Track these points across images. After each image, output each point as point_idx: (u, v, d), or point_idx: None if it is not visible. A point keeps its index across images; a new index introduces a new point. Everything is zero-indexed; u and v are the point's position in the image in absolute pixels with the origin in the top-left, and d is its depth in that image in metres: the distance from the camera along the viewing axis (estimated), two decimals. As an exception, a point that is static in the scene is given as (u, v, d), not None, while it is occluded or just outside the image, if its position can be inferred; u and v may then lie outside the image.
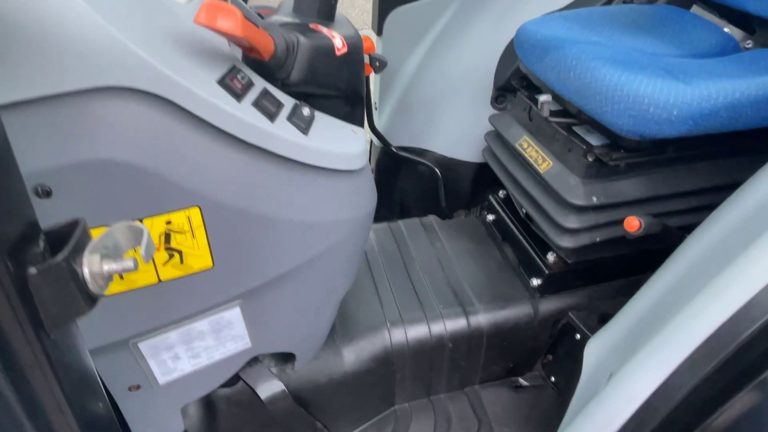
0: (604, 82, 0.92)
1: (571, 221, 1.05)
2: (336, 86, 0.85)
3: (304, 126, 0.74)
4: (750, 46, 1.19)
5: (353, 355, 1.11)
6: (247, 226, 0.71)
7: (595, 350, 0.95)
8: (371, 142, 1.79)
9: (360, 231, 0.89)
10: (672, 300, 0.79)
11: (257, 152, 0.68)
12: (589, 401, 0.80)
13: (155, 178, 0.61)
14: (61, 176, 0.58)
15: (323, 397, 1.08)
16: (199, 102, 0.61)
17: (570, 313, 1.22)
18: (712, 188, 1.07)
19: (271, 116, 0.69)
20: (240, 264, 0.73)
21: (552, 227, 1.10)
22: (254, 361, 0.94)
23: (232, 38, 0.67)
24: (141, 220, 0.63)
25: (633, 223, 0.92)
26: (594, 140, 1.04)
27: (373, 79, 1.77)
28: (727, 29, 1.23)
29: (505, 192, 1.44)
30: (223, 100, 0.63)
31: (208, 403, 0.97)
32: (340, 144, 0.79)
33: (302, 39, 0.77)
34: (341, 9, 0.95)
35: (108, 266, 0.42)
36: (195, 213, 0.66)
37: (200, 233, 0.67)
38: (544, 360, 1.35)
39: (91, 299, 0.41)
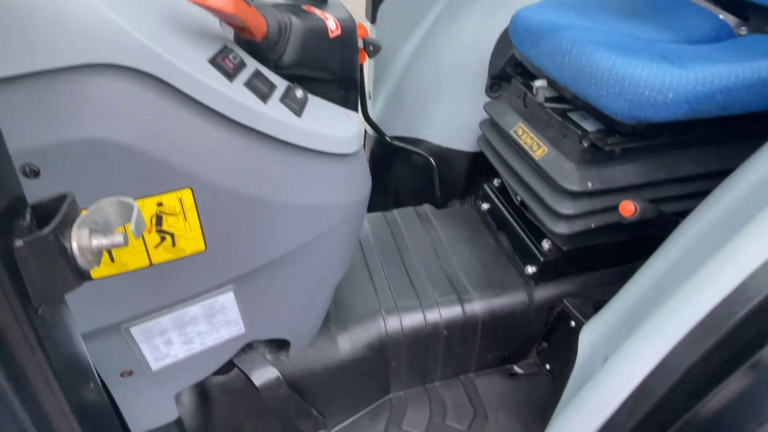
0: (599, 67, 0.92)
1: (567, 207, 1.04)
2: (329, 69, 0.84)
3: (298, 108, 0.73)
4: (744, 32, 1.19)
5: (348, 342, 1.11)
6: (240, 209, 0.70)
7: (589, 336, 0.95)
8: (365, 132, 1.79)
9: (354, 216, 0.89)
10: (667, 283, 0.79)
11: (249, 133, 0.67)
12: (584, 385, 0.80)
13: (146, 158, 0.60)
14: (50, 156, 0.56)
15: (318, 384, 1.08)
16: (190, 81, 0.60)
17: (565, 301, 1.22)
18: (707, 174, 1.07)
19: (264, 97, 0.68)
20: (233, 248, 0.72)
21: (547, 214, 1.10)
22: (248, 347, 0.93)
23: (223, 16, 0.66)
24: (132, 202, 0.62)
25: (628, 208, 0.92)
26: (589, 126, 1.04)
27: (367, 68, 1.75)
28: (722, 16, 1.22)
29: (499, 180, 1.44)
30: (214, 79, 0.62)
31: (202, 390, 0.96)
32: (334, 127, 0.78)
33: (295, 20, 0.76)
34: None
35: (97, 241, 0.41)
36: (187, 195, 0.65)
37: (192, 215, 0.66)
38: (539, 348, 1.35)
39: (80, 275, 0.40)
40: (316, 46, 0.80)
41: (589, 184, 1.02)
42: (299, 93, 0.75)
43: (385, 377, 1.22)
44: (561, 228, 1.07)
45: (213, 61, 0.64)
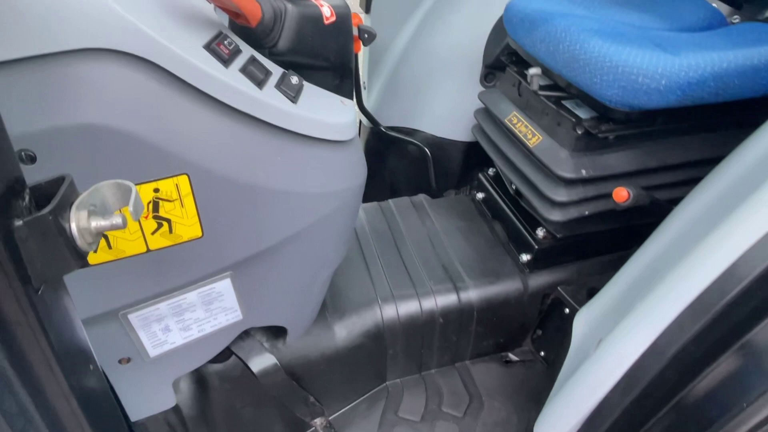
0: (593, 54, 0.92)
1: (561, 194, 1.05)
2: (324, 56, 0.84)
3: (293, 94, 0.73)
4: (737, 20, 1.20)
5: (344, 330, 1.12)
6: (236, 196, 0.70)
7: (583, 321, 0.96)
8: (360, 122, 1.79)
9: (350, 204, 0.89)
10: (659, 268, 0.80)
11: (245, 119, 0.67)
12: (579, 367, 0.81)
13: (142, 143, 0.60)
14: (46, 141, 0.56)
15: (315, 372, 1.08)
16: (186, 66, 0.60)
17: (559, 288, 1.24)
18: (699, 161, 1.08)
19: (260, 83, 0.68)
20: (229, 234, 0.72)
21: (541, 201, 1.11)
22: (246, 335, 0.94)
23: (218, 2, 0.66)
24: (128, 188, 0.62)
25: (621, 194, 0.92)
26: (583, 113, 1.04)
27: (362, 58, 1.75)
28: (715, 4, 1.23)
29: (494, 170, 1.45)
30: (210, 65, 0.62)
31: (200, 378, 0.96)
32: (330, 114, 0.78)
33: (290, 6, 0.76)
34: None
35: (96, 223, 0.41)
36: (183, 181, 0.65)
37: (189, 202, 0.66)
38: (533, 335, 1.36)
39: (80, 256, 0.41)
40: (311, 33, 0.80)
41: (583, 172, 1.03)
42: (294, 79, 0.75)
43: (381, 365, 1.23)
44: (555, 215, 1.08)
45: (208, 47, 0.64)
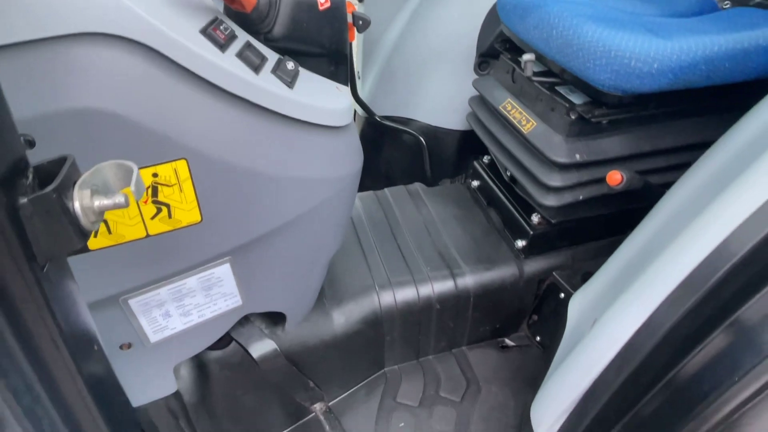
0: (586, 39, 0.93)
1: (555, 179, 1.06)
2: (319, 42, 0.84)
3: (289, 80, 0.73)
4: (728, 5, 1.21)
5: (342, 317, 1.13)
6: (234, 181, 0.71)
7: (578, 304, 0.97)
8: (354, 112, 1.79)
9: (347, 190, 0.90)
10: (652, 249, 0.82)
11: (242, 104, 0.67)
12: (574, 348, 0.83)
13: (140, 128, 0.60)
14: (44, 126, 0.57)
15: (314, 359, 1.09)
16: (183, 51, 0.60)
17: (554, 273, 1.25)
18: (691, 146, 1.09)
19: (256, 68, 0.69)
20: (228, 219, 0.73)
21: (536, 187, 1.12)
22: (245, 321, 0.94)
23: (214, -13, 0.66)
24: (127, 173, 0.62)
25: (615, 177, 0.94)
26: (576, 99, 1.06)
27: (356, 47, 1.75)
28: (706, -11, 1.24)
29: (489, 157, 1.46)
30: (206, 49, 0.63)
31: (200, 365, 0.97)
32: (326, 99, 0.79)
33: (285, -8, 0.77)
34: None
35: (99, 202, 0.42)
36: (182, 166, 0.65)
37: (188, 186, 0.67)
38: (529, 320, 1.38)
39: (83, 234, 0.41)
40: (306, 19, 0.80)
41: (577, 156, 1.04)
42: (290, 65, 0.75)
43: (379, 351, 1.25)
44: (550, 200, 1.09)
45: (204, 32, 0.64)
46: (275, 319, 1.02)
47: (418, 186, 1.52)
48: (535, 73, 1.12)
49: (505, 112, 1.21)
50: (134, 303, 0.73)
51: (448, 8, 1.54)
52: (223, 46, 0.66)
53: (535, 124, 1.12)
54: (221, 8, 0.77)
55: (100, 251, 0.66)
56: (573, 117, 1.03)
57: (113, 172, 0.45)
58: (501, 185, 1.36)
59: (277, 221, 0.79)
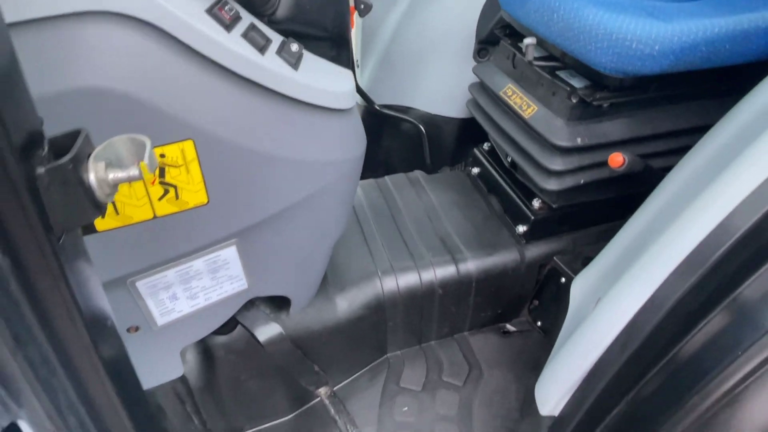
0: (587, 22, 0.93)
1: (557, 163, 1.07)
2: (322, 25, 0.84)
3: (294, 61, 0.73)
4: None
5: (346, 302, 1.13)
6: (241, 162, 0.71)
7: (580, 287, 0.98)
8: (354, 101, 1.78)
9: (351, 173, 0.90)
10: (655, 228, 0.82)
11: (247, 85, 0.68)
12: (577, 328, 0.84)
13: (147, 107, 0.61)
14: (50, 106, 0.56)
15: (318, 344, 1.10)
16: (189, 30, 0.60)
17: (555, 258, 1.26)
18: (692, 129, 1.10)
19: (261, 49, 0.69)
20: (234, 200, 0.73)
21: (537, 171, 1.12)
22: (250, 305, 0.95)
23: (218, -33, 0.66)
24: (135, 153, 0.63)
25: (617, 159, 0.94)
26: (577, 83, 1.06)
27: (355, 36, 1.75)
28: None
29: (489, 144, 1.46)
30: (212, 29, 0.63)
31: (206, 349, 0.98)
32: (330, 82, 0.79)
33: (288, -26, 0.77)
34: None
35: (113, 174, 0.42)
36: (189, 146, 0.65)
37: (194, 167, 0.67)
38: (530, 305, 1.39)
39: (98, 206, 0.42)
40: (309, 1, 0.80)
41: (579, 140, 1.05)
42: (295, 47, 0.75)
43: (382, 337, 1.25)
44: (551, 185, 1.10)
45: (210, 12, 0.64)
46: (279, 304, 1.02)
47: (418, 173, 1.52)
48: (536, 58, 1.12)
49: (506, 98, 1.21)
50: (142, 285, 0.73)
51: (447, -5, 1.54)
52: (228, 27, 0.66)
53: (536, 108, 1.13)
54: (225, -10, 0.76)
55: (108, 233, 0.66)
56: (574, 101, 1.04)
57: (126, 146, 0.45)
58: (501, 171, 1.37)
59: (282, 204, 0.79)
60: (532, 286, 1.33)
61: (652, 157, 1.10)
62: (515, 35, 1.25)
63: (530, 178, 1.15)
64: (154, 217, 0.68)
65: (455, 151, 1.68)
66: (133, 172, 0.42)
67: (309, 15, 0.81)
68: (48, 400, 0.45)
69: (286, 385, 1.12)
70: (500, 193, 1.36)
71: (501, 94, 1.23)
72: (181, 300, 0.79)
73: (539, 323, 1.37)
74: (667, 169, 0.93)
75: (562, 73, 1.10)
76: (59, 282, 0.41)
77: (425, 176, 1.51)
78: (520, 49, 1.18)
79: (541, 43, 1.10)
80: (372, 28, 1.69)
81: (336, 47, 0.90)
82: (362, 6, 0.96)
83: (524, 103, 1.16)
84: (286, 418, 1.18)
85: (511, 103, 1.19)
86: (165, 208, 0.68)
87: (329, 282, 1.14)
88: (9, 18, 0.52)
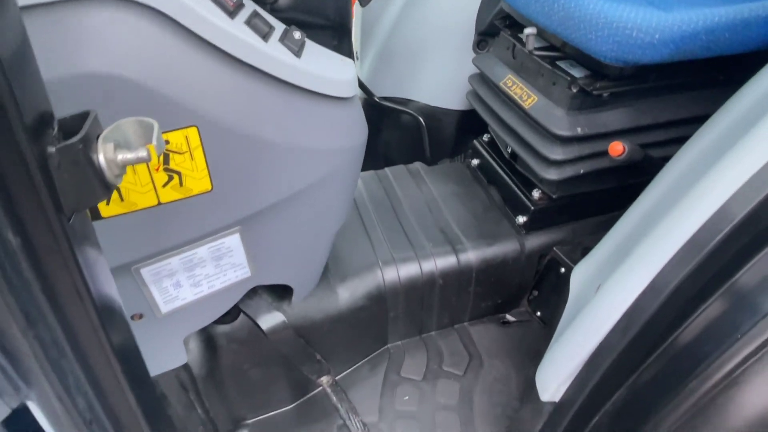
0: (588, 11, 0.94)
1: (557, 153, 1.07)
2: (324, 14, 0.84)
3: (297, 49, 0.73)
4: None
5: (347, 292, 1.14)
6: (244, 149, 0.71)
7: (581, 275, 0.99)
8: (354, 93, 1.78)
9: (353, 162, 0.90)
10: (655, 215, 0.83)
11: (251, 72, 0.68)
12: (578, 314, 0.84)
13: (151, 93, 0.61)
14: (54, 91, 0.56)
15: (319, 333, 1.11)
16: (193, 15, 0.60)
17: (555, 248, 1.27)
18: (692, 119, 1.10)
19: (265, 36, 0.69)
20: (238, 188, 0.73)
21: (538, 161, 1.13)
22: (253, 294, 0.95)
23: (221, -46, 0.66)
24: (139, 139, 0.63)
25: (617, 148, 0.95)
26: (578, 73, 1.06)
27: (354, 28, 1.75)
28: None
29: (489, 136, 1.46)
30: (216, 15, 0.63)
31: (208, 338, 0.98)
32: (332, 70, 0.79)
33: (290, -38, 0.77)
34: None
35: (122, 155, 0.42)
36: (193, 133, 0.66)
37: (198, 154, 0.67)
38: (530, 296, 1.40)
39: (107, 187, 0.42)
40: (312, -11, 0.80)
41: (579, 130, 1.05)
42: (297, 35, 0.75)
43: (383, 327, 1.26)
44: (551, 174, 1.11)
45: (213, -2, 0.64)
46: (282, 293, 1.03)
47: (418, 165, 1.53)
48: (536, 48, 1.12)
49: (506, 88, 1.21)
50: (146, 272, 0.74)
51: (447, -13, 1.54)
52: (232, 13, 0.66)
53: (536, 99, 1.13)
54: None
55: (113, 219, 0.66)
56: (574, 90, 1.04)
57: (134, 128, 0.45)
58: (501, 162, 1.37)
59: (285, 191, 0.79)
60: (531, 276, 1.34)
61: (652, 146, 1.10)
62: (515, 26, 1.26)
63: (530, 168, 1.16)
64: (159, 203, 0.68)
65: (455, 143, 1.68)
66: (142, 153, 0.43)
67: (311, 3, 0.82)
68: (57, 381, 0.46)
69: (288, 374, 1.12)
70: (500, 184, 1.37)
71: (501, 84, 1.23)
72: (185, 287, 0.79)
73: (539, 313, 1.38)
74: (666, 159, 0.94)
75: (562, 63, 1.10)
76: (69, 262, 0.41)
77: (425, 168, 1.52)
78: (520, 40, 1.18)
79: (541, 33, 1.11)
80: (371, 20, 1.69)
81: (337, 36, 0.90)
82: (363, -5, 0.96)
83: (524, 93, 1.16)
84: (288, 407, 1.19)
85: (511, 93, 1.19)
86: (169, 194, 0.68)
87: (331, 272, 1.14)
88: (19, 2, 0.52)
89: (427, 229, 1.30)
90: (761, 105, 0.77)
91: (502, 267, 1.27)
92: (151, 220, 0.69)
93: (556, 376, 0.85)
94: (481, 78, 1.36)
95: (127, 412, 0.54)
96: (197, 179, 0.69)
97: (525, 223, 1.27)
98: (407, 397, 1.21)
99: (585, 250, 1.23)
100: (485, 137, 1.47)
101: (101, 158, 0.41)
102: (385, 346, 1.31)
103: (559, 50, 1.11)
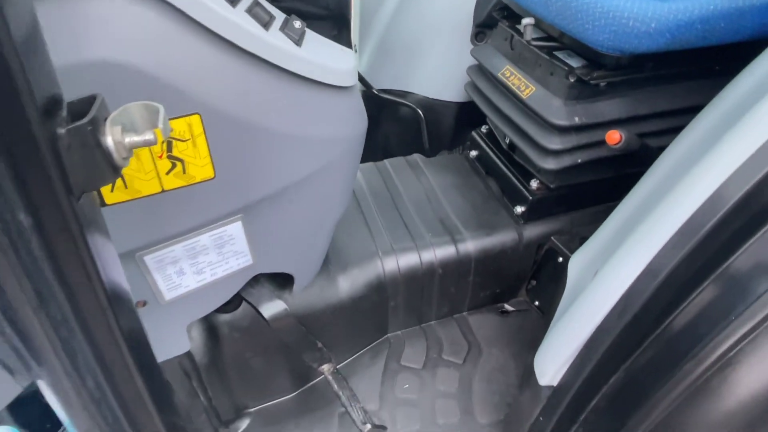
0: (584, 0, 0.95)
1: (555, 142, 1.09)
2: (323, 4, 0.85)
3: (297, 38, 0.74)
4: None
5: (348, 282, 1.15)
6: (246, 137, 0.72)
7: (578, 263, 1.00)
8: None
9: (353, 151, 0.91)
10: (651, 202, 0.84)
11: (252, 60, 0.68)
12: (575, 300, 0.86)
13: (154, 81, 0.61)
14: (59, 78, 0.57)
15: (320, 322, 1.12)
16: (195, 4, 0.61)
17: (553, 238, 1.28)
18: (688, 108, 1.11)
19: (266, 25, 0.70)
20: (240, 176, 0.74)
21: (536, 151, 1.14)
22: (255, 282, 0.96)
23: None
24: (143, 127, 0.64)
25: (614, 137, 0.96)
26: (575, 63, 1.07)
27: (353, 21, 1.75)
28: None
29: (487, 127, 1.47)
30: (218, 3, 0.64)
31: (210, 327, 0.99)
32: (332, 59, 0.80)
33: (290, -48, 0.77)
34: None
35: (130, 138, 0.43)
36: (195, 120, 0.66)
37: (201, 142, 0.68)
38: (528, 286, 1.41)
39: (115, 169, 0.43)
40: (312, -21, 0.81)
41: (576, 119, 1.06)
42: (297, 24, 0.76)
43: (383, 317, 1.27)
44: (549, 164, 1.12)
45: (215, -13, 0.65)
46: (283, 282, 1.04)
47: (417, 157, 1.54)
48: (534, 39, 1.13)
49: (504, 79, 1.22)
50: (150, 260, 0.75)
51: (445, -21, 1.54)
52: (233, 2, 0.66)
53: (534, 89, 1.14)
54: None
55: (117, 206, 0.67)
56: (572, 80, 1.05)
57: (140, 112, 0.46)
58: (499, 153, 1.39)
59: (286, 180, 0.80)
60: (529, 266, 1.35)
61: (649, 136, 1.11)
62: (513, 17, 1.26)
63: (528, 158, 1.17)
64: (162, 191, 0.69)
65: (453, 135, 1.69)
66: (149, 136, 0.44)
67: (311, -7, 0.82)
68: (68, 360, 0.47)
69: (289, 363, 1.14)
70: (498, 174, 1.38)
71: (499, 75, 1.24)
72: (188, 275, 0.80)
73: (537, 303, 1.39)
74: (663, 149, 0.95)
75: (559, 54, 1.11)
76: (78, 242, 0.42)
77: (424, 159, 1.53)
78: (518, 31, 1.19)
79: (538, 23, 1.12)
80: (370, 13, 1.70)
81: (337, 27, 0.91)
82: (362, -14, 0.97)
83: (522, 83, 1.17)
84: (290, 396, 1.20)
85: (510, 84, 1.20)
86: (172, 182, 0.69)
87: (331, 262, 1.15)
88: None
89: (426, 219, 1.31)
90: (754, 93, 0.78)
91: (501, 256, 1.28)
92: (154, 207, 0.70)
93: (554, 360, 0.86)
94: (480, 69, 1.37)
95: (134, 392, 0.55)
96: (200, 167, 0.70)
97: (523, 213, 1.28)
98: (407, 385, 1.23)
99: (582, 240, 1.24)
100: (483, 128, 1.48)
101: (109, 140, 0.42)
102: (386, 336, 1.33)
103: (556, 41, 1.12)
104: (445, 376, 1.25)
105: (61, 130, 0.38)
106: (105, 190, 0.66)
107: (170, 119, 0.65)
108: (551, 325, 0.92)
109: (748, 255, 0.70)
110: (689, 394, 0.71)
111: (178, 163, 0.68)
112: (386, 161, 1.51)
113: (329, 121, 0.83)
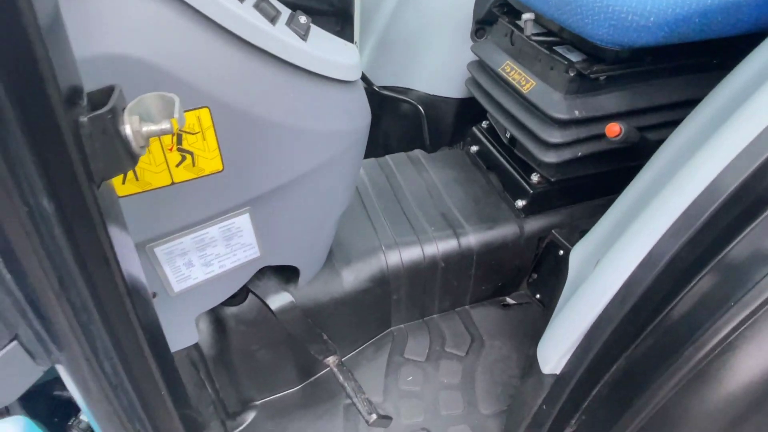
0: (584, -5, 0.96)
1: (555, 136, 1.10)
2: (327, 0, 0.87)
3: (303, 33, 0.75)
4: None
5: (351, 275, 1.16)
6: (254, 131, 0.73)
7: (579, 255, 1.02)
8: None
9: (358, 145, 0.93)
10: (651, 193, 0.86)
11: (260, 54, 0.70)
12: (577, 289, 0.87)
13: (165, 75, 0.63)
14: (75, 72, 0.59)
15: (325, 315, 1.13)
16: (204, -1, 0.62)
17: (553, 231, 1.29)
18: (686, 101, 1.13)
19: (272, 20, 0.71)
20: (248, 168, 0.76)
21: (536, 145, 1.15)
22: (261, 275, 0.98)
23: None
24: (153, 120, 0.65)
25: (614, 129, 0.97)
26: (575, 57, 1.09)
27: (356, 17, 1.76)
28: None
29: (487, 122, 1.49)
30: (226, -1, 0.65)
31: (217, 320, 1.01)
32: (337, 54, 0.81)
33: (295, -52, 0.79)
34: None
35: (147, 128, 0.44)
36: (205, 114, 0.68)
37: (210, 135, 0.70)
38: (529, 279, 1.43)
39: (133, 157, 0.44)
40: (316, -25, 0.82)
41: (576, 113, 1.08)
42: (303, 19, 0.77)
43: (386, 310, 1.29)
44: (550, 157, 1.13)
45: (223, -18, 0.66)
46: (288, 276, 1.05)
47: (418, 152, 1.55)
48: (534, 34, 1.15)
49: (504, 74, 1.24)
50: (159, 251, 0.76)
51: (445, -24, 1.56)
52: (240, -3, 0.68)
53: (534, 83, 1.15)
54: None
55: (129, 198, 0.68)
56: (572, 74, 1.06)
57: (156, 103, 0.47)
58: (500, 148, 1.40)
59: (293, 173, 0.82)
60: (530, 259, 1.36)
61: (648, 129, 1.13)
62: (513, 13, 1.28)
63: (529, 152, 1.18)
64: (172, 183, 0.70)
65: (454, 131, 1.71)
66: (165, 125, 0.45)
67: (315, -11, 0.84)
68: (87, 345, 0.48)
69: (295, 356, 1.15)
70: (499, 169, 1.39)
71: (500, 70, 1.26)
72: (197, 267, 0.81)
73: (538, 296, 1.41)
74: (662, 142, 0.97)
75: (559, 48, 1.12)
76: (99, 228, 0.43)
77: (425, 155, 1.54)
78: (518, 26, 1.20)
79: (538, 19, 1.13)
80: (370, 10, 1.71)
81: (340, 22, 0.93)
82: (365, -18, 0.98)
83: (522, 78, 1.19)
84: (295, 388, 1.21)
85: (510, 79, 1.22)
86: (182, 174, 0.70)
87: (335, 256, 1.17)
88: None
89: (428, 213, 1.32)
90: (751, 85, 0.80)
91: (502, 250, 1.29)
92: (164, 199, 0.71)
93: (556, 349, 0.87)
94: (480, 65, 1.38)
95: (150, 379, 0.57)
96: (209, 159, 0.71)
97: (524, 206, 1.30)
98: (411, 378, 1.24)
99: (583, 233, 1.26)
100: (484, 124, 1.49)
101: (128, 129, 0.43)
102: (389, 329, 1.34)
103: (556, 35, 1.13)
104: (448, 368, 1.27)
105: (83, 119, 0.40)
106: (117, 182, 0.67)
107: (180, 112, 0.66)
108: (554, 314, 0.93)
109: (745, 243, 0.71)
110: (690, 380, 0.73)
111: (188, 156, 0.70)
112: (388, 157, 1.53)
113: (334, 114, 0.84)
